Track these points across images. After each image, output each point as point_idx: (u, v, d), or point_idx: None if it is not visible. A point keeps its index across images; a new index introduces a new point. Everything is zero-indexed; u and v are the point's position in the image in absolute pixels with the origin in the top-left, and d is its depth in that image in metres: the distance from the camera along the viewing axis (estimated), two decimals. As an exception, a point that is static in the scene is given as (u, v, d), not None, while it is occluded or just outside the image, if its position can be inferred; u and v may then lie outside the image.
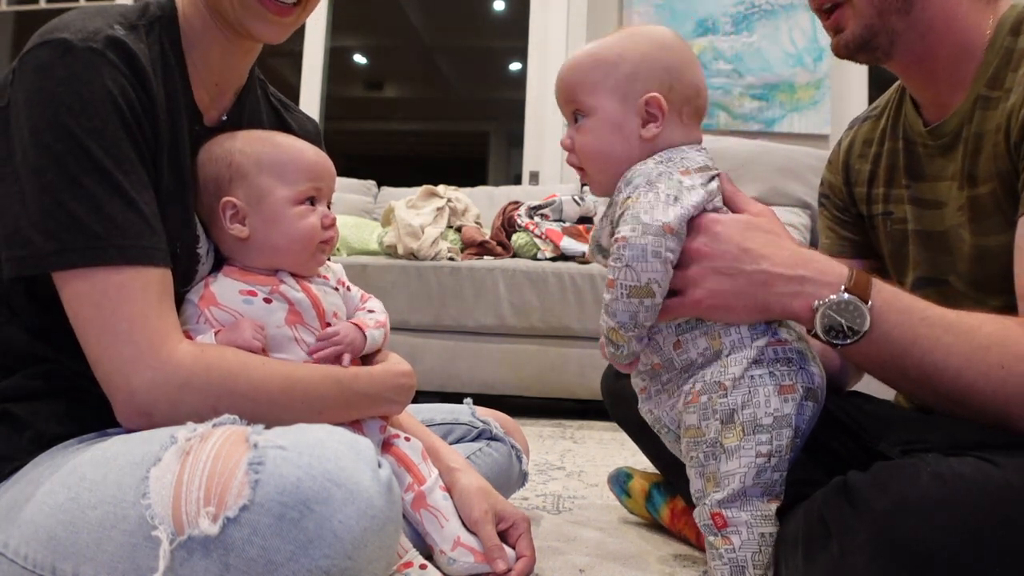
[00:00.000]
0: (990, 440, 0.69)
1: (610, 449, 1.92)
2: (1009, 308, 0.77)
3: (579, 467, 1.70)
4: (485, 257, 2.51)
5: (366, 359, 0.92)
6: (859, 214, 1.05)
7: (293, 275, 0.88)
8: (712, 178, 0.80)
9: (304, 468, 0.61)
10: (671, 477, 1.13)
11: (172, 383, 0.73)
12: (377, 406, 0.90)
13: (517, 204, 2.71)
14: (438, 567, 0.90)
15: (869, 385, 0.89)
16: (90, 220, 0.72)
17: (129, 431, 0.74)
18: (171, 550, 0.60)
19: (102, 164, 0.73)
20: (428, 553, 0.92)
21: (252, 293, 0.84)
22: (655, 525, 1.22)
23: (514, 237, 2.59)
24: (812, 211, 2.74)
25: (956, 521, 0.62)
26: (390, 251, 2.53)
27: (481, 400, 1.31)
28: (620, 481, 1.26)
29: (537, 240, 2.55)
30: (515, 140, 3.77)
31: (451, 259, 2.45)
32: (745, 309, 0.76)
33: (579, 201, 2.70)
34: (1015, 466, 0.64)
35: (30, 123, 0.73)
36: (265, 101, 1.01)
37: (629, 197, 0.78)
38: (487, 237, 2.59)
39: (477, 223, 2.69)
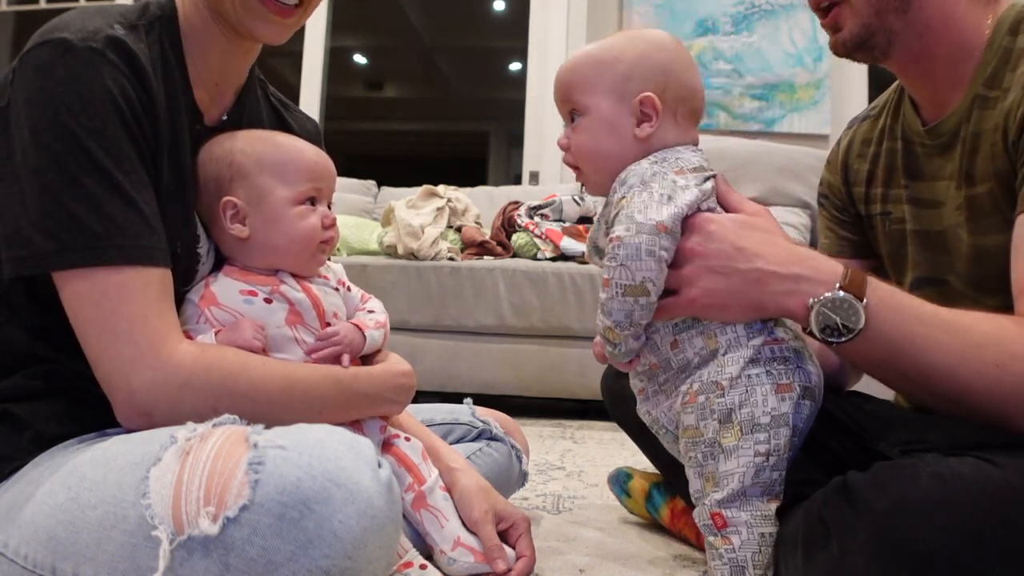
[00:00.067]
0: (990, 440, 0.69)
1: (610, 449, 1.92)
2: (1007, 308, 0.77)
3: (579, 467, 1.70)
4: (485, 257, 2.51)
5: (366, 359, 0.92)
6: (858, 214, 1.05)
7: (293, 275, 0.88)
8: (707, 179, 0.80)
9: (304, 468, 0.61)
10: (671, 477, 1.13)
11: (172, 383, 0.73)
12: (377, 406, 0.90)
13: (517, 204, 2.71)
14: (438, 567, 0.90)
15: (869, 385, 0.89)
16: (90, 220, 0.72)
17: (129, 431, 0.74)
18: (171, 550, 0.60)
19: (102, 164, 0.73)
20: (428, 553, 0.92)
21: (253, 293, 0.84)
22: (655, 525, 1.22)
23: (514, 237, 2.59)
24: (812, 211, 2.74)
25: (956, 521, 0.62)
26: (390, 251, 2.53)
27: (481, 400, 1.31)
28: (620, 481, 1.26)
29: (537, 240, 2.55)
30: (515, 140, 3.77)
31: (451, 259, 2.45)
32: (740, 308, 0.76)
33: (579, 201, 2.70)
34: (1015, 466, 0.64)
35: (30, 123, 0.73)
36: (265, 101, 1.01)
37: (624, 197, 0.78)
38: (487, 237, 2.59)
39: (477, 223, 2.69)
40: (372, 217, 3.13)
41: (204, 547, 0.60)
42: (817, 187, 1.14)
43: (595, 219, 0.86)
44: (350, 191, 3.22)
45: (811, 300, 0.74)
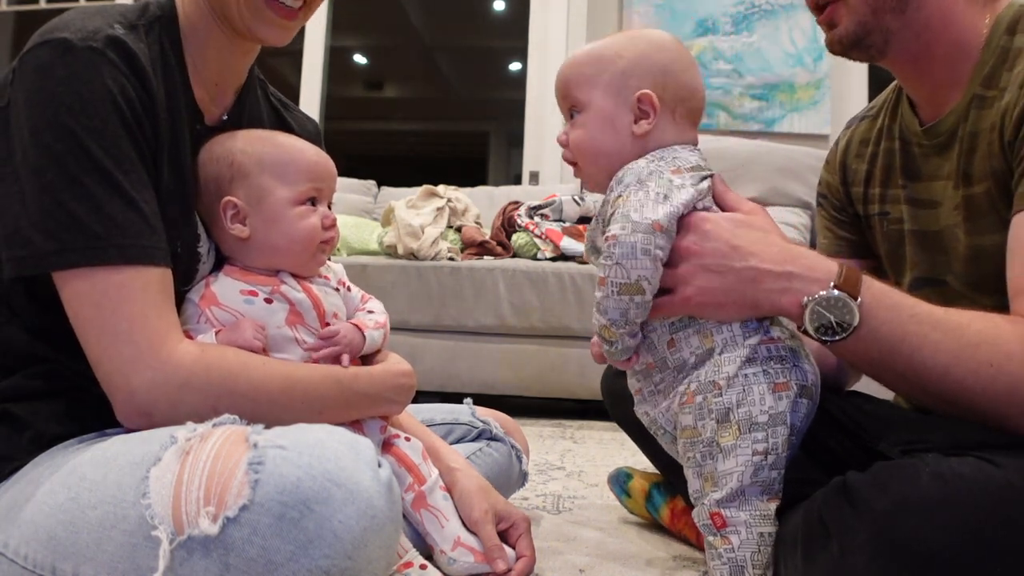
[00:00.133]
0: (990, 440, 0.69)
1: (610, 449, 1.92)
2: (1004, 308, 0.77)
3: (579, 467, 1.70)
4: (485, 257, 2.51)
5: (366, 359, 0.92)
6: (856, 214, 1.05)
7: (294, 275, 0.88)
8: (704, 178, 0.81)
9: (304, 468, 0.61)
10: (671, 477, 1.13)
11: (172, 383, 0.73)
12: (377, 406, 0.90)
13: (517, 204, 2.71)
14: (438, 567, 0.90)
15: (869, 385, 0.89)
16: (90, 220, 0.72)
17: (129, 431, 0.74)
18: (171, 550, 0.60)
19: (102, 164, 0.73)
20: (428, 553, 0.92)
21: (253, 293, 0.84)
22: (655, 525, 1.22)
23: (514, 237, 2.59)
24: (812, 211, 2.74)
25: (957, 521, 0.62)
26: (390, 251, 2.53)
27: (481, 400, 1.31)
28: (620, 481, 1.26)
29: (537, 240, 2.55)
30: (515, 140, 3.77)
31: (451, 259, 2.45)
32: (735, 306, 0.77)
33: (579, 201, 2.70)
34: (1016, 466, 0.64)
35: (30, 123, 0.73)
36: (265, 101, 1.01)
37: (620, 196, 0.78)
38: (487, 237, 2.59)
39: (477, 223, 2.69)
40: (372, 217, 3.13)
41: (204, 547, 0.60)
42: (816, 187, 1.14)
43: (593, 218, 0.86)
44: (350, 191, 3.22)
45: (805, 298, 0.74)
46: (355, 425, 0.89)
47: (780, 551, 0.74)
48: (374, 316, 0.94)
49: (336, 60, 4.11)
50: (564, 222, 2.65)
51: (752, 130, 3.22)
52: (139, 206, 0.74)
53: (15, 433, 0.76)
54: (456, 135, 7.71)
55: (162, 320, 0.75)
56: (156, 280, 0.75)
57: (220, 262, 0.89)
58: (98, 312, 0.73)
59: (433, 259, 2.43)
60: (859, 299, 0.73)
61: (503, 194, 3.06)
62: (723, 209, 0.82)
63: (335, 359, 0.86)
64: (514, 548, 0.95)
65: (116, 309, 0.72)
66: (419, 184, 2.78)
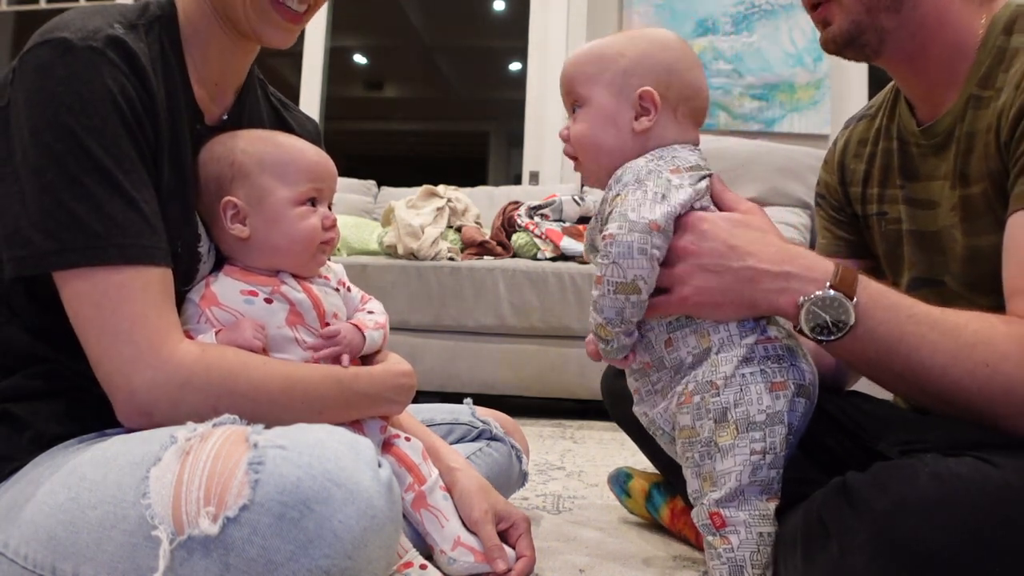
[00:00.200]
0: (989, 440, 0.69)
1: (610, 449, 1.92)
2: (1001, 308, 0.77)
3: (579, 467, 1.70)
4: (485, 257, 2.51)
5: (366, 359, 0.92)
6: (854, 214, 1.05)
7: (294, 276, 0.88)
8: (702, 177, 0.81)
9: (304, 468, 0.61)
10: (671, 477, 1.13)
11: (173, 382, 0.73)
12: (377, 406, 0.90)
13: (517, 204, 2.71)
14: (438, 567, 0.90)
15: (868, 385, 0.89)
16: (90, 219, 0.72)
17: (130, 431, 0.74)
18: (171, 550, 0.60)
19: (102, 163, 0.73)
20: (428, 553, 0.92)
21: (253, 293, 0.84)
22: (655, 525, 1.22)
23: (514, 237, 2.59)
24: (812, 211, 2.73)
25: (956, 521, 0.62)
26: (390, 251, 2.53)
27: (481, 400, 1.31)
28: (620, 481, 1.26)
29: (537, 240, 2.55)
30: (515, 140, 3.77)
31: (451, 259, 2.45)
32: (732, 306, 0.77)
33: (579, 201, 2.70)
34: (1014, 466, 0.64)
35: (30, 123, 0.73)
36: (265, 101, 1.01)
37: (618, 195, 0.79)
38: (487, 237, 2.59)
39: (477, 223, 2.69)
40: (372, 217, 3.13)
41: (204, 547, 0.60)
42: (815, 187, 1.14)
43: (593, 217, 0.86)
44: (350, 191, 3.22)
45: (801, 298, 0.74)
46: (355, 425, 0.89)
47: (780, 551, 0.74)
48: (374, 316, 0.94)
49: (336, 60, 4.11)
50: (564, 222, 2.65)
51: (752, 130, 3.22)
52: (139, 206, 0.74)
53: (15, 433, 0.76)
54: (456, 135, 7.71)
55: (162, 320, 0.75)
56: (156, 280, 0.75)
57: (220, 262, 0.89)
58: (98, 312, 0.73)
59: (433, 259, 2.43)
60: (855, 299, 0.73)
61: (503, 194, 3.06)
62: (721, 208, 0.82)
63: (335, 359, 0.86)
64: (514, 548, 0.95)
65: (116, 309, 0.72)
66: (419, 184, 2.78)
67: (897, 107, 0.96)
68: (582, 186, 3.07)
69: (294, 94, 3.69)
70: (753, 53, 3.27)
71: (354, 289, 0.97)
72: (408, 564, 0.87)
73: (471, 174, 7.19)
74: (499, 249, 2.55)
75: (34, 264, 0.73)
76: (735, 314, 0.77)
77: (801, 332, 0.75)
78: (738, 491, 0.74)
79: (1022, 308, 0.74)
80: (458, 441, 1.15)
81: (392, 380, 0.91)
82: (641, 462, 1.26)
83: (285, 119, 1.03)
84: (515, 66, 5.69)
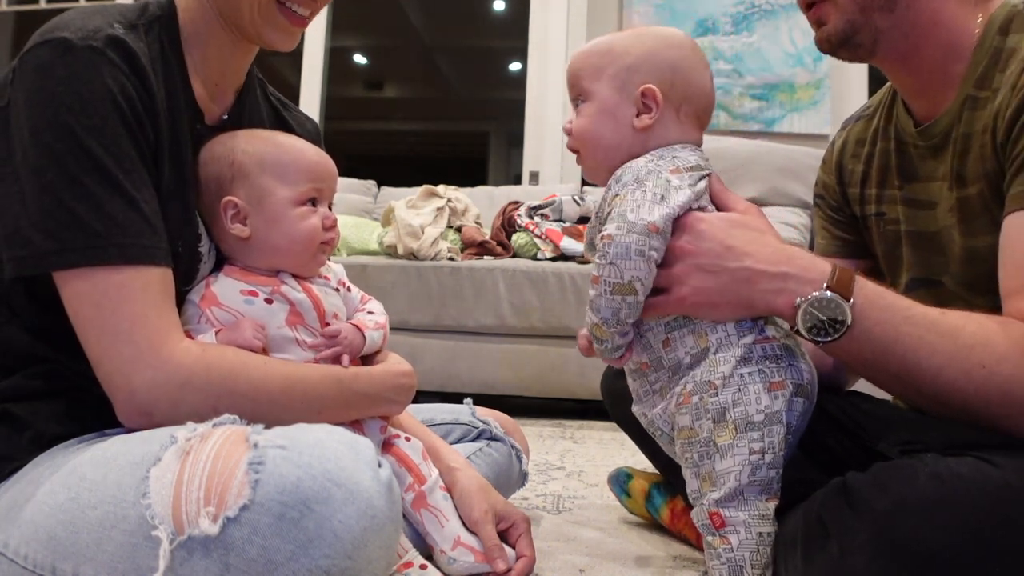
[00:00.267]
0: (989, 440, 0.69)
1: (610, 449, 1.92)
2: (999, 309, 0.77)
3: (579, 467, 1.70)
4: (485, 257, 2.51)
5: (366, 359, 0.92)
6: (853, 215, 1.05)
7: (294, 276, 0.88)
8: (702, 178, 0.81)
9: (304, 468, 0.61)
10: (671, 477, 1.13)
11: (173, 382, 0.73)
12: (377, 406, 0.90)
13: (517, 204, 2.71)
14: (438, 567, 0.90)
15: (869, 385, 0.89)
16: (90, 219, 0.72)
17: (130, 431, 0.74)
18: (171, 550, 0.60)
19: (102, 163, 0.73)
20: (428, 553, 0.92)
21: (253, 293, 0.84)
22: (655, 525, 1.22)
23: (514, 237, 2.59)
24: (812, 211, 2.73)
25: (956, 521, 0.62)
26: (390, 251, 2.53)
27: (481, 400, 1.31)
28: (620, 481, 1.26)
29: (537, 240, 2.55)
30: (515, 140, 3.78)
31: (451, 259, 2.45)
32: (729, 306, 0.77)
33: (579, 201, 2.70)
34: (1014, 466, 0.64)
35: (30, 122, 0.73)
36: (264, 100, 1.01)
37: (618, 195, 0.79)
38: (487, 237, 2.59)
39: (477, 223, 2.69)
40: (372, 217, 3.13)
41: (204, 547, 0.60)
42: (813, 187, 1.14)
43: (592, 215, 0.86)
44: (350, 191, 3.22)
45: (798, 299, 0.74)
46: (355, 425, 0.89)
47: (780, 551, 0.74)
48: (374, 317, 0.94)
49: (336, 60, 4.11)
50: (564, 222, 2.65)
51: (752, 130, 3.23)
52: (139, 206, 0.74)
53: (15, 433, 0.76)
54: (456, 135, 7.71)
55: (163, 320, 0.75)
56: (157, 280, 0.75)
57: (221, 262, 0.89)
58: (98, 312, 0.72)
59: (433, 259, 2.43)
60: (852, 300, 0.73)
61: (503, 194, 3.06)
62: (719, 207, 0.82)
63: (335, 359, 0.86)
64: (514, 548, 0.95)
65: (116, 309, 0.72)
66: (419, 184, 2.78)
67: (894, 108, 0.96)
68: (582, 186, 3.07)
69: (294, 94, 3.69)
70: (753, 53, 3.27)
71: (354, 289, 0.97)
72: (408, 564, 0.87)
73: (471, 174, 7.19)
74: (499, 249, 2.55)
75: (34, 264, 0.73)
76: (732, 314, 0.77)
77: (798, 333, 0.75)
78: (737, 491, 0.74)
79: (1018, 309, 0.74)
80: (458, 441, 1.15)
81: (392, 380, 0.91)
82: (641, 462, 1.26)
83: (285, 119, 1.03)
84: (515, 66, 5.69)
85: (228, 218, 0.85)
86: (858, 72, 3.22)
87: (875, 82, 3.22)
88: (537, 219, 2.63)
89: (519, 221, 2.62)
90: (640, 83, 0.83)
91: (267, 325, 0.83)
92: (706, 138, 0.88)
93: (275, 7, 0.84)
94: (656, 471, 1.22)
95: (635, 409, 0.87)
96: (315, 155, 0.90)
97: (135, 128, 0.76)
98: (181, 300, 0.83)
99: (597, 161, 0.86)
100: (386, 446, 0.95)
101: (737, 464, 0.74)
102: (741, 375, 0.75)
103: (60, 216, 0.72)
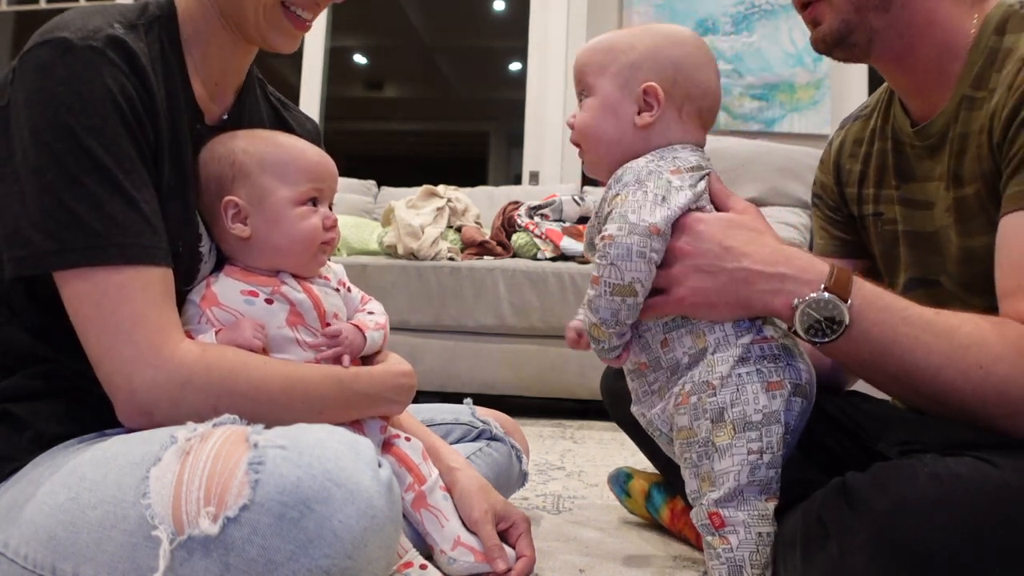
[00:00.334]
0: (988, 440, 0.69)
1: (610, 449, 1.92)
2: (996, 309, 0.77)
3: (579, 467, 1.70)
4: (485, 257, 2.51)
5: (367, 360, 0.92)
6: (851, 214, 1.05)
7: (294, 276, 0.88)
8: (702, 177, 0.81)
9: (304, 468, 0.61)
10: (670, 477, 1.13)
11: (173, 382, 0.73)
12: (377, 406, 0.91)
13: (517, 204, 2.71)
14: (438, 567, 0.90)
15: (868, 385, 0.89)
16: (90, 219, 0.72)
17: (130, 430, 0.74)
18: (171, 550, 0.60)
19: (102, 163, 0.73)
20: (428, 553, 0.92)
21: (254, 294, 0.84)
22: (655, 525, 1.22)
23: (514, 237, 2.59)
24: (811, 211, 2.73)
25: (955, 521, 0.62)
26: (390, 251, 2.53)
27: (481, 400, 1.31)
28: (620, 481, 1.26)
29: (537, 240, 2.55)
30: (515, 140, 3.77)
31: (451, 259, 2.45)
32: (727, 306, 0.77)
33: (579, 201, 2.70)
34: (1013, 466, 0.64)
35: (30, 122, 0.73)
36: (264, 100, 1.01)
37: (618, 195, 0.79)
38: (487, 237, 2.60)
39: (477, 223, 2.69)
40: (372, 217, 3.13)
41: (204, 547, 0.60)
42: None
43: (592, 215, 0.86)
44: (350, 191, 3.22)
45: (796, 300, 0.74)
46: (355, 425, 0.89)
47: (779, 551, 0.74)
48: (374, 317, 0.94)
49: (336, 60, 4.11)
50: (564, 222, 2.65)
51: (752, 130, 3.23)
52: (139, 206, 0.74)
53: (15, 433, 0.76)
54: (456, 135, 7.71)
55: (163, 319, 0.75)
56: (157, 280, 0.75)
57: (221, 262, 0.89)
58: (99, 312, 0.73)
59: (433, 259, 2.43)
60: (849, 301, 0.73)
61: (503, 194, 3.06)
62: (717, 206, 0.82)
63: (336, 359, 0.86)
64: (514, 548, 0.95)
65: (117, 309, 0.72)
66: (419, 184, 2.78)
67: (891, 107, 0.96)
68: (582, 186, 3.07)
69: (294, 94, 3.69)
70: (753, 53, 3.27)
71: (354, 289, 0.97)
72: (408, 564, 0.87)
73: (471, 174, 7.19)
74: (499, 249, 2.56)
75: (34, 264, 0.73)
76: (730, 315, 0.77)
77: (795, 333, 0.75)
78: (737, 491, 0.74)
79: (1014, 310, 0.74)
80: (458, 441, 1.15)
81: (392, 380, 0.91)
82: (641, 462, 1.26)
83: (285, 119, 1.03)
84: (515, 66, 5.68)
85: (229, 218, 0.85)
86: (858, 72, 3.22)
87: (875, 82, 3.21)
88: (537, 219, 2.63)
89: (519, 221, 2.62)
90: (642, 80, 0.83)
91: (267, 325, 0.83)
92: (707, 138, 0.88)
93: (280, 11, 0.84)
94: (656, 471, 1.22)
95: (634, 409, 0.87)
96: (316, 155, 0.90)
97: (135, 128, 0.76)
98: (182, 300, 0.83)
99: (599, 156, 0.86)
100: (386, 446, 0.95)
101: (736, 464, 0.74)
102: (739, 375, 0.76)
103: (60, 216, 0.72)
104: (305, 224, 0.87)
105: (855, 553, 0.65)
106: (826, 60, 3.17)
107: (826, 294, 0.73)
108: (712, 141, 0.88)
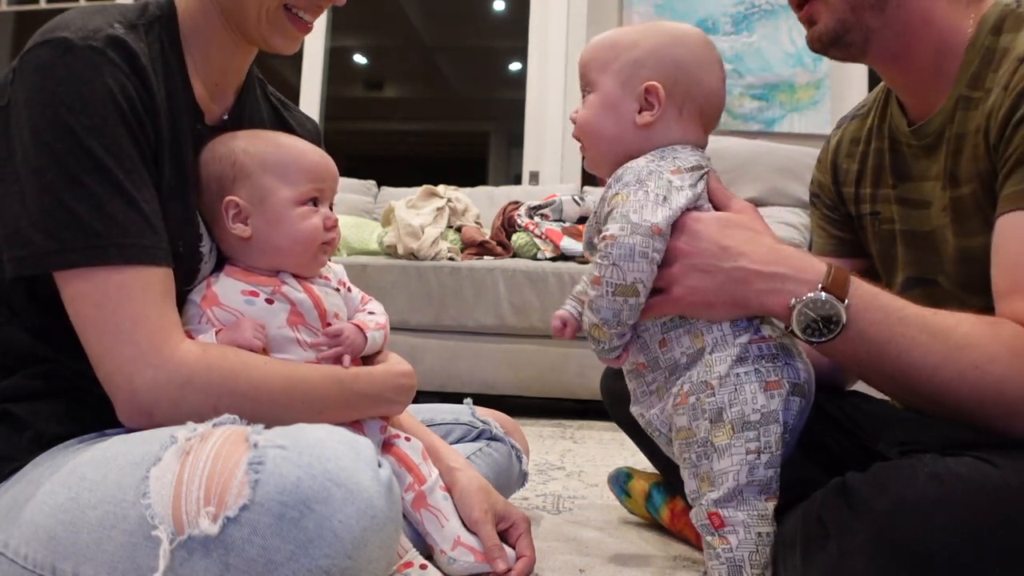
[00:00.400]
0: (988, 440, 0.69)
1: (610, 449, 1.92)
2: (993, 309, 0.77)
3: (579, 467, 1.70)
4: (485, 257, 2.51)
5: (367, 360, 0.92)
6: (848, 213, 1.05)
7: (295, 276, 0.88)
8: (701, 177, 0.81)
9: (304, 468, 0.61)
10: (670, 477, 1.13)
11: (174, 382, 0.73)
12: (377, 406, 0.91)
13: (517, 204, 2.71)
14: (438, 567, 0.90)
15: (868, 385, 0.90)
16: (91, 219, 0.72)
17: (130, 430, 0.74)
18: (171, 550, 0.60)
19: (103, 163, 0.73)
20: (428, 553, 0.92)
21: (254, 294, 0.84)
22: (655, 525, 1.22)
23: (514, 237, 2.59)
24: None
25: (955, 521, 0.62)
26: (390, 251, 2.53)
27: (481, 400, 1.31)
28: (620, 481, 1.26)
29: (537, 240, 2.55)
30: (515, 140, 3.78)
31: (451, 259, 2.46)
32: (725, 306, 0.77)
33: (579, 201, 2.70)
34: (1013, 466, 0.64)
35: (30, 122, 0.73)
36: (264, 100, 1.01)
37: (618, 194, 0.78)
38: (487, 237, 2.60)
39: (477, 223, 2.69)
40: (372, 217, 3.13)
41: (204, 547, 0.60)
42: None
43: (591, 214, 0.86)
44: (350, 191, 3.22)
45: (793, 300, 0.74)
46: (355, 425, 0.89)
47: (779, 551, 0.74)
48: (375, 317, 0.94)
49: (336, 60, 4.11)
50: (564, 222, 2.65)
51: (752, 130, 3.23)
52: (140, 206, 0.75)
53: (15, 433, 0.76)
54: (456, 135, 7.71)
55: (163, 319, 0.75)
56: (157, 280, 0.75)
57: (222, 262, 0.89)
58: (99, 312, 0.73)
59: (433, 259, 2.43)
60: (846, 301, 0.73)
61: (503, 194, 3.06)
62: (715, 205, 0.82)
63: (337, 359, 0.86)
64: (514, 548, 0.95)
65: (117, 309, 0.72)
66: (419, 184, 2.78)
67: (888, 107, 0.96)
68: (582, 186, 3.07)
69: (294, 94, 3.69)
70: (753, 53, 3.27)
71: (354, 289, 0.97)
72: (408, 564, 0.87)
73: (471, 174, 7.19)
74: (499, 249, 2.56)
75: (34, 264, 0.73)
76: (727, 314, 0.77)
77: (792, 333, 0.75)
78: (736, 491, 0.74)
79: (1010, 310, 0.74)
80: (458, 441, 1.15)
81: (392, 380, 0.91)
82: (641, 462, 1.26)
83: (285, 119, 1.03)
84: (515, 66, 5.69)
85: (230, 218, 0.85)
86: (858, 72, 3.22)
87: (875, 82, 3.19)
88: (537, 219, 2.63)
89: (519, 221, 2.62)
90: (644, 79, 0.82)
91: (268, 325, 0.83)
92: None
93: (283, 13, 0.84)
94: (656, 471, 1.22)
95: (633, 410, 0.87)
96: (316, 155, 0.90)
97: (135, 128, 0.76)
98: (182, 300, 0.83)
99: (599, 153, 0.86)
100: (386, 446, 0.95)
101: (735, 464, 0.74)
102: (737, 375, 0.76)
103: (60, 216, 0.72)
104: (306, 224, 0.87)
105: (855, 553, 0.65)
106: (826, 60, 3.16)
107: (823, 294, 0.73)
108: (712, 141, 0.88)
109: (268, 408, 0.77)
